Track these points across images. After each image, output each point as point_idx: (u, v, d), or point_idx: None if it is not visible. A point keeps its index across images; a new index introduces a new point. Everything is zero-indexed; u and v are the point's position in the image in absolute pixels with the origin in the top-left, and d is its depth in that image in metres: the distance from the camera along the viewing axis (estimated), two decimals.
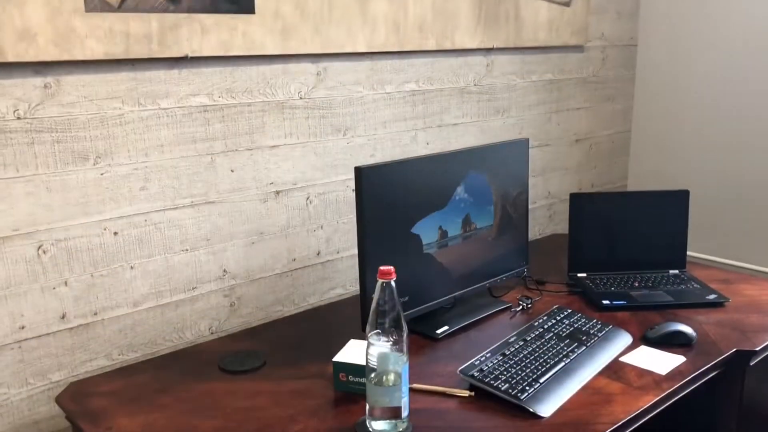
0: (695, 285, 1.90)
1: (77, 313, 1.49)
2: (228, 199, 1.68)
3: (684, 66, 2.62)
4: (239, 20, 1.60)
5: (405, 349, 1.23)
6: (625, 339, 1.60)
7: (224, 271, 1.71)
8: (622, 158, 2.82)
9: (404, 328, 1.23)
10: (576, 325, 1.63)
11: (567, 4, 2.39)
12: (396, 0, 1.89)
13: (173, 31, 1.50)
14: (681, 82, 2.64)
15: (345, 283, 1.97)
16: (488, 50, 2.19)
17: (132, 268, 1.55)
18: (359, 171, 1.48)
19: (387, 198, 1.54)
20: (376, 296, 1.23)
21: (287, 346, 1.61)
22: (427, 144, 2.08)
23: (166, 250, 1.60)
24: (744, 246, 2.54)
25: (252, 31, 1.63)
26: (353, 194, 1.93)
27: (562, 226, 2.63)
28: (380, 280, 1.22)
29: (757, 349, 1.55)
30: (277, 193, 1.77)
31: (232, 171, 1.67)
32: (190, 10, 1.52)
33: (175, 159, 1.57)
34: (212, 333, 1.72)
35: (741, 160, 2.51)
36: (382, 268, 1.22)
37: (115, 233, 1.51)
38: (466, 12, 2.08)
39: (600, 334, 1.59)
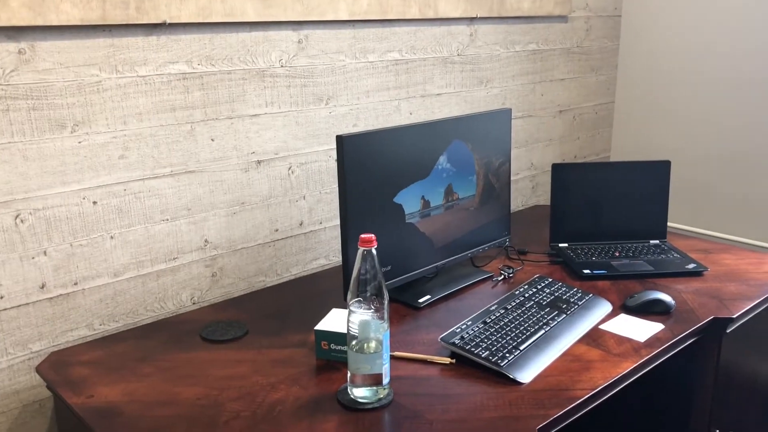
0: (675, 255, 1.92)
1: (57, 282, 1.48)
2: (208, 169, 1.67)
3: (667, 37, 2.61)
4: None
5: (386, 316, 1.24)
6: (605, 307, 1.61)
7: (205, 241, 1.70)
8: (606, 129, 2.82)
9: (385, 296, 1.23)
10: (556, 294, 1.65)
11: None
12: None
13: None
14: (664, 54, 2.63)
15: (328, 253, 1.97)
16: (471, 19, 2.17)
17: (112, 237, 1.54)
18: (341, 140, 1.47)
19: (369, 167, 1.53)
20: (357, 264, 1.23)
21: (269, 316, 1.62)
22: (410, 114, 2.07)
23: (147, 219, 1.58)
24: (724, 217, 2.56)
25: None
26: (336, 164, 1.92)
27: (545, 198, 2.63)
28: (361, 248, 1.22)
29: (734, 316, 1.58)
30: (259, 162, 1.76)
31: (212, 140, 1.66)
32: None
33: (154, 127, 1.55)
34: (194, 303, 1.71)
35: (722, 132, 2.52)
36: (363, 236, 1.22)
37: (95, 202, 1.50)
38: None
39: (580, 303, 1.61)
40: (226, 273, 1.76)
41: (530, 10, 2.33)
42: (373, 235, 1.22)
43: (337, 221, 1.97)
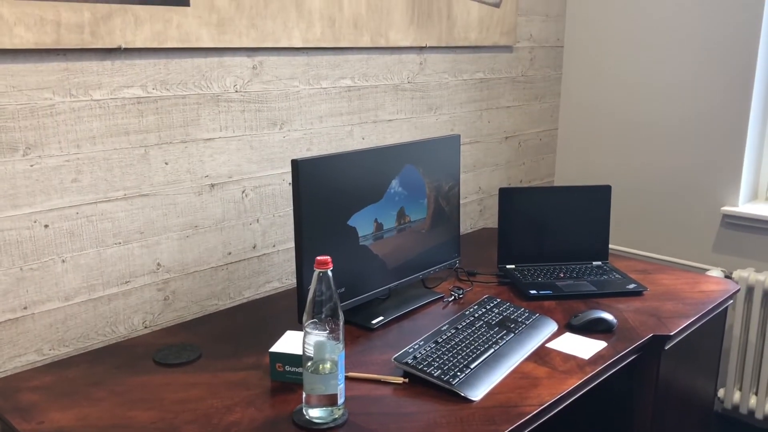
0: (617, 275, 2.01)
1: (5, 307, 1.46)
2: (162, 192, 1.67)
3: (607, 67, 2.74)
4: (174, 12, 1.60)
5: (341, 337, 1.27)
6: (551, 326, 1.67)
7: (158, 264, 1.70)
8: (550, 155, 2.93)
9: (340, 317, 1.26)
10: (505, 314, 1.70)
11: (497, 5, 2.47)
12: None
13: (106, 22, 1.49)
14: (604, 83, 2.76)
15: (281, 276, 1.98)
16: (421, 48, 2.24)
17: (63, 261, 1.52)
18: (296, 164, 1.50)
19: (324, 190, 1.56)
20: (312, 286, 1.25)
21: (223, 339, 1.62)
22: (363, 139, 2.11)
23: (99, 243, 1.58)
24: (660, 239, 2.68)
25: (187, 23, 1.62)
26: (289, 188, 1.95)
27: (492, 221, 2.71)
28: (317, 270, 1.25)
29: (672, 333, 1.66)
30: (212, 186, 1.77)
31: (166, 163, 1.66)
32: (123, 0, 1.51)
33: (107, 151, 1.55)
34: (146, 327, 1.70)
35: (658, 158, 2.65)
36: (318, 258, 1.24)
37: (46, 226, 1.48)
38: (400, 9, 2.12)
39: (527, 322, 1.67)
40: (179, 296, 1.76)
41: (477, 40, 2.42)
42: (328, 257, 1.25)
43: (291, 244, 1.99)
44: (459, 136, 1.95)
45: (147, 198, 1.64)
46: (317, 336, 1.25)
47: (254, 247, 1.90)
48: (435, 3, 2.23)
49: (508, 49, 2.59)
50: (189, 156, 1.71)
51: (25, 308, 1.49)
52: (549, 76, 2.82)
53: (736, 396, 2.49)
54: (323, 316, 1.25)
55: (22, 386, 1.39)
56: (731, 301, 1.96)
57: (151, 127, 1.62)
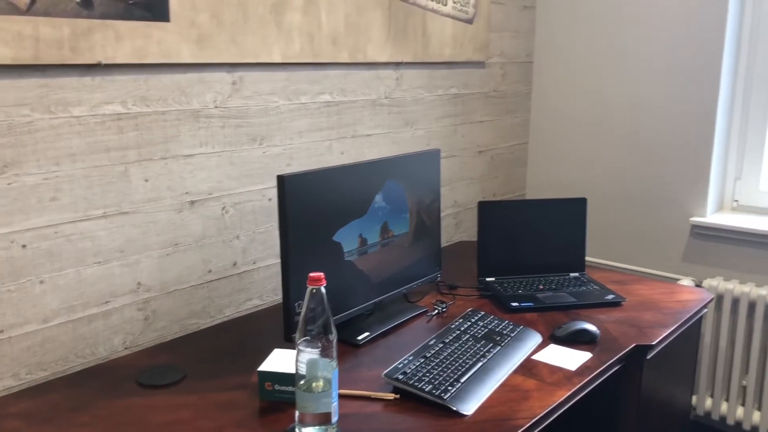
0: (595, 286, 2.04)
1: None
2: (142, 210, 1.64)
3: (575, 82, 2.80)
4: (154, 28, 1.58)
5: (334, 355, 1.25)
6: (535, 338, 1.69)
7: (138, 283, 1.66)
8: (521, 168, 2.97)
9: (333, 334, 1.25)
10: (490, 327, 1.71)
11: (470, 22, 2.50)
12: (310, 12, 1.92)
13: (86, 37, 1.46)
14: (573, 97, 2.81)
15: (261, 293, 1.96)
16: (398, 64, 2.25)
17: (42, 282, 1.48)
18: (282, 180, 1.49)
19: (309, 206, 1.55)
20: (305, 303, 1.24)
21: (207, 359, 1.59)
22: (342, 154, 2.11)
23: (78, 262, 1.54)
24: (631, 250, 2.73)
25: (167, 38, 1.61)
26: (270, 203, 1.93)
27: (468, 234, 2.73)
28: (310, 287, 1.24)
29: (653, 343, 1.68)
30: (192, 203, 1.75)
31: (146, 180, 1.64)
32: (104, 16, 1.48)
33: (87, 168, 1.52)
34: (126, 348, 1.66)
35: (627, 170, 2.70)
36: (311, 274, 1.23)
37: (24, 246, 1.44)
38: (377, 26, 2.13)
39: (512, 335, 1.68)
40: (159, 316, 1.72)
41: (451, 56, 2.45)
42: (321, 273, 1.24)
43: (271, 261, 1.97)
44: (439, 150, 1.96)
45: (127, 216, 1.61)
46: (310, 354, 1.24)
47: (235, 265, 1.88)
48: (411, 19, 2.25)
49: (480, 64, 2.62)
50: (169, 173, 1.68)
51: (2, 331, 1.44)
52: (519, 91, 2.86)
53: (708, 403, 2.54)
54: (316, 333, 1.24)
55: (1, 413, 1.34)
56: (706, 309, 2.00)
57: (131, 144, 1.59)
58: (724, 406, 2.52)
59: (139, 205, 1.63)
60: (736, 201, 2.62)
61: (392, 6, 2.17)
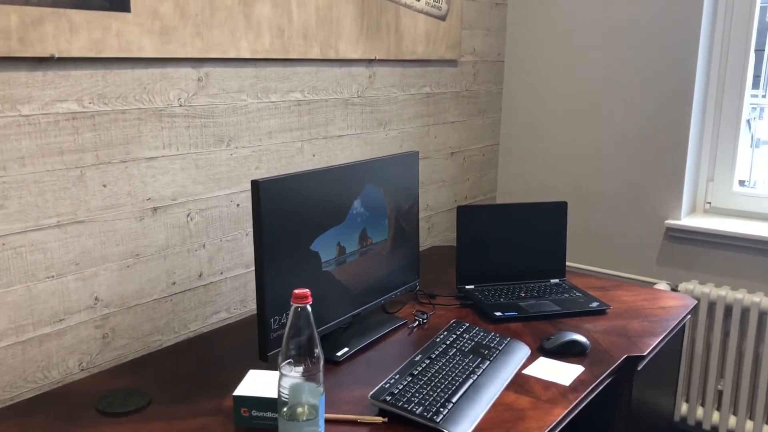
0: (577, 293, 1.97)
1: None
2: (100, 218, 1.50)
3: (547, 82, 2.73)
4: (113, 18, 1.43)
5: (320, 378, 1.14)
6: (523, 351, 1.60)
7: (96, 298, 1.52)
8: (492, 170, 2.89)
9: (320, 357, 1.14)
10: (476, 339, 1.62)
11: (443, 18, 2.41)
12: (280, 4, 1.80)
13: (37, 28, 1.31)
14: (545, 98, 2.75)
15: (229, 306, 1.83)
16: (370, 61, 2.15)
17: None
18: (257, 185, 1.37)
19: (285, 213, 1.43)
20: (289, 322, 1.13)
21: (173, 381, 1.46)
22: (314, 156, 1.99)
23: (29, 277, 1.38)
24: (605, 253, 2.68)
25: (127, 30, 1.46)
26: (238, 209, 1.80)
27: (441, 239, 2.64)
28: (294, 305, 1.12)
29: (645, 353, 1.62)
30: (155, 209, 1.61)
31: (104, 186, 1.49)
32: (57, 4, 1.34)
33: (38, 173, 1.37)
34: (83, 370, 1.51)
35: (601, 172, 2.66)
36: (297, 291, 1.12)
37: None
38: (350, 21, 2.02)
39: (500, 348, 1.59)
40: (119, 333, 1.58)
41: (424, 53, 2.35)
42: (307, 290, 1.12)
43: (239, 270, 1.84)
44: (417, 153, 1.86)
45: (83, 225, 1.46)
46: (294, 378, 1.13)
47: (200, 276, 1.74)
48: (384, 15, 2.14)
49: (453, 63, 2.53)
50: (129, 177, 1.54)
51: None
52: (491, 90, 2.79)
53: (684, 408, 2.51)
54: (300, 355, 1.12)
55: None
56: (689, 316, 1.95)
57: (87, 146, 1.44)
58: (699, 411, 2.49)
59: (97, 213, 1.49)
60: (709, 203, 2.59)
61: (365, 0, 2.06)
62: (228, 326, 1.77)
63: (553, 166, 2.77)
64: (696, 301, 1.97)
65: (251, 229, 1.85)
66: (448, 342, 1.59)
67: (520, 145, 2.85)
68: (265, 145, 1.84)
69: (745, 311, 2.34)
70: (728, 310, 2.37)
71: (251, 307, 1.89)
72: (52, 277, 1.43)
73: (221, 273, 1.80)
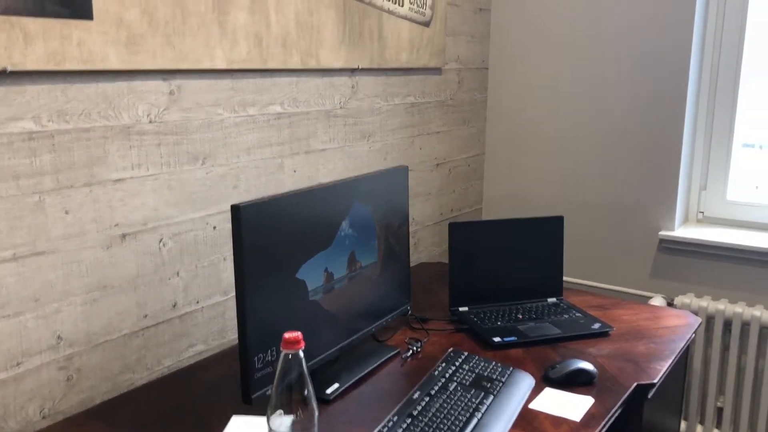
0: (577, 314, 1.86)
1: None
2: (62, 248, 1.35)
3: (533, 90, 2.64)
4: (73, 27, 1.29)
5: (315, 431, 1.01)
6: (528, 381, 1.49)
7: (58, 337, 1.37)
8: (477, 181, 2.79)
9: (314, 408, 1.01)
10: (477, 371, 1.50)
11: (427, 24, 2.30)
12: (258, 10, 1.67)
13: None
14: (531, 106, 2.65)
15: (206, 337, 1.69)
16: (353, 70, 2.03)
17: None
18: (237, 210, 1.24)
19: (268, 239, 1.30)
20: (278, 371, 1.00)
21: (147, 425, 1.31)
22: (294, 172, 1.86)
23: None
24: (598, 266, 2.59)
25: (90, 40, 1.32)
26: (215, 233, 1.66)
27: (427, 254, 2.52)
28: (284, 351, 0.99)
29: (656, 381, 1.52)
30: (124, 236, 1.46)
31: (66, 212, 1.34)
32: (8, 11, 1.19)
33: None
34: (44, 417, 1.36)
35: (590, 183, 2.56)
36: (287, 335, 0.99)
37: None
38: (331, 28, 1.90)
39: (503, 379, 1.47)
40: (85, 374, 1.43)
41: (408, 61, 2.24)
42: (299, 333, 0.99)
43: (217, 298, 1.70)
44: (407, 168, 1.74)
45: (43, 257, 1.32)
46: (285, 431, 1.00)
47: (175, 306, 1.60)
48: (366, 21, 2.02)
49: (437, 71, 2.42)
50: (95, 202, 1.39)
51: None
52: (476, 99, 2.68)
53: (683, 426, 2.42)
54: (292, 406, 0.99)
55: None
56: (694, 335, 1.86)
57: (46, 169, 1.30)
58: (699, 430, 2.40)
59: (58, 243, 1.34)
60: (702, 212, 2.52)
61: (346, 5, 1.94)
62: (206, 360, 1.63)
63: (541, 177, 2.68)
64: (700, 320, 1.87)
65: (229, 253, 1.71)
66: (447, 375, 1.47)
67: (506, 155, 2.75)
68: (243, 162, 1.71)
69: (745, 325, 2.26)
70: (727, 324, 2.29)
71: (230, 337, 1.75)
72: (8, 316, 1.28)
73: (197, 302, 1.65)
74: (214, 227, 1.66)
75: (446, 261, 2.35)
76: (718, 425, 2.39)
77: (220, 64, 1.60)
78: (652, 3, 2.33)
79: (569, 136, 2.59)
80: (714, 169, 2.45)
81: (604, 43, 2.45)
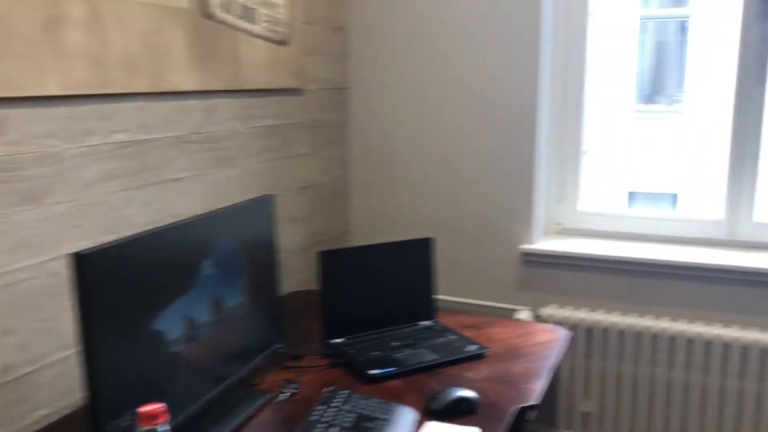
0: (452, 336, 1.84)
1: None
2: None
3: (394, 110, 2.62)
4: None
5: None
6: (410, 416, 1.43)
7: None
8: (345, 205, 2.72)
9: None
10: (357, 410, 1.42)
11: (282, 43, 2.21)
12: (96, 29, 1.50)
13: None
14: (392, 126, 2.63)
15: (52, 399, 1.48)
16: (207, 93, 1.89)
17: None
18: (79, 259, 1.08)
19: (117, 290, 1.15)
20: None
21: None
22: (147, 205, 1.70)
23: None
24: (463, 282, 2.60)
25: None
26: (55, 280, 1.47)
27: (296, 282, 2.41)
28: (142, 428, 0.86)
29: (535, 403, 1.51)
30: None
31: None
32: None
33: None
34: None
35: (454, 201, 2.58)
36: (142, 409, 0.86)
37: None
38: (181, 48, 1.76)
39: (385, 416, 1.40)
40: None
41: (266, 82, 2.13)
42: (161, 405, 0.86)
43: (61, 353, 1.50)
44: (272, 197, 1.64)
45: None
46: None
47: (9, 369, 1.39)
48: (220, 41, 1.90)
49: (297, 92, 2.34)
50: None
51: None
52: (337, 119, 2.62)
53: None
54: None
55: None
56: (565, 347, 1.89)
57: None
58: None
59: None
60: (559, 224, 2.61)
61: (198, 24, 1.81)
62: (52, 426, 1.43)
63: (407, 198, 2.66)
64: (569, 332, 1.92)
65: (73, 301, 1.52)
66: (326, 418, 1.38)
67: (371, 176, 2.71)
68: (85, 197, 1.53)
69: (605, 332, 2.35)
70: (589, 331, 2.37)
71: (78, 396, 1.55)
72: None
73: (37, 361, 1.45)
74: (54, 274, 1.47)
75: (317, 288, 2.26)
76: (584, 430, 2.47)
77: (53, 90, 1.42)
78: (501, 23, 2.39)
79: (432, 155, 2.59)
80: (566, 181, 2.55)
81: (461, 62, 2.48)
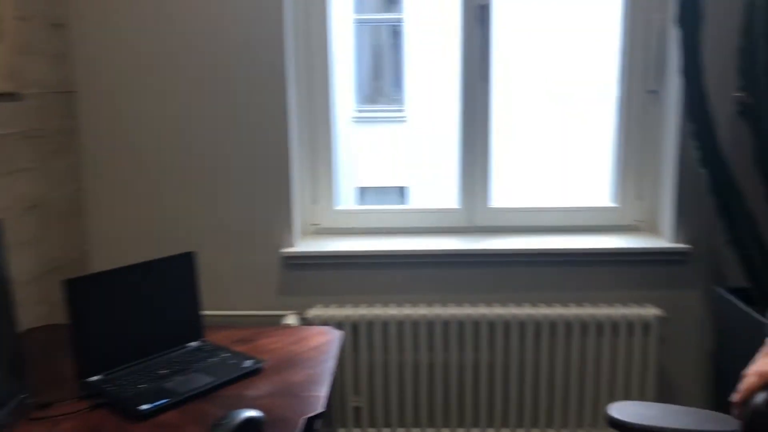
0: (224, 354, 1.74)
1: None
2: None
3: (128, 116, 2.40)
4: None
5: None
6: None
7: None
8: (82, 222, 2.43)
9: None
10: None
11: None
12: None
13: None
14: (129, 133, 2.41)
15: None
16: None
17: None
18: None
19: None
20: None
21: None
22: None
23: None
24: (223, 294, 2.49)
25: None
26: None
27: (35, 317, 2.09)
28: None
29: (322, 410, 1.49)
30: None
31: None
32: None
33: None
34: None
35: (206, 210, 2.44)
36: None
37: None
38: None
39: None
40: None
41: None
42: None
43: None
44: (1, 221, 1.38)
45: None
46: None
47: None
48: None
49: (14, 96, 2.02)
50: None
51: None
52: (66, 127, 2.33)
53: None
54: None
55: None
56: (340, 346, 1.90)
57: None
58: None
59: None
60: (316, 224, 2.62)
61: None
62: None
63: (155, 211, 2.46)
64: (341, 332, 1.93)
65: None
66: None
67: (111, 190, 2.45)
68: None
69: (370, 325, 2.42)
70: (355, 327, 2.42)
71: None
72: None
73: None
74: None
75: (58, 321, 1.99)
76: (358, 424, 2.52)
77: None
78: (240, 18, 2.32)
79: (180, 162, 2.43)
80: (321, 182, 2.57)
81: (204, 59, 2.35)
